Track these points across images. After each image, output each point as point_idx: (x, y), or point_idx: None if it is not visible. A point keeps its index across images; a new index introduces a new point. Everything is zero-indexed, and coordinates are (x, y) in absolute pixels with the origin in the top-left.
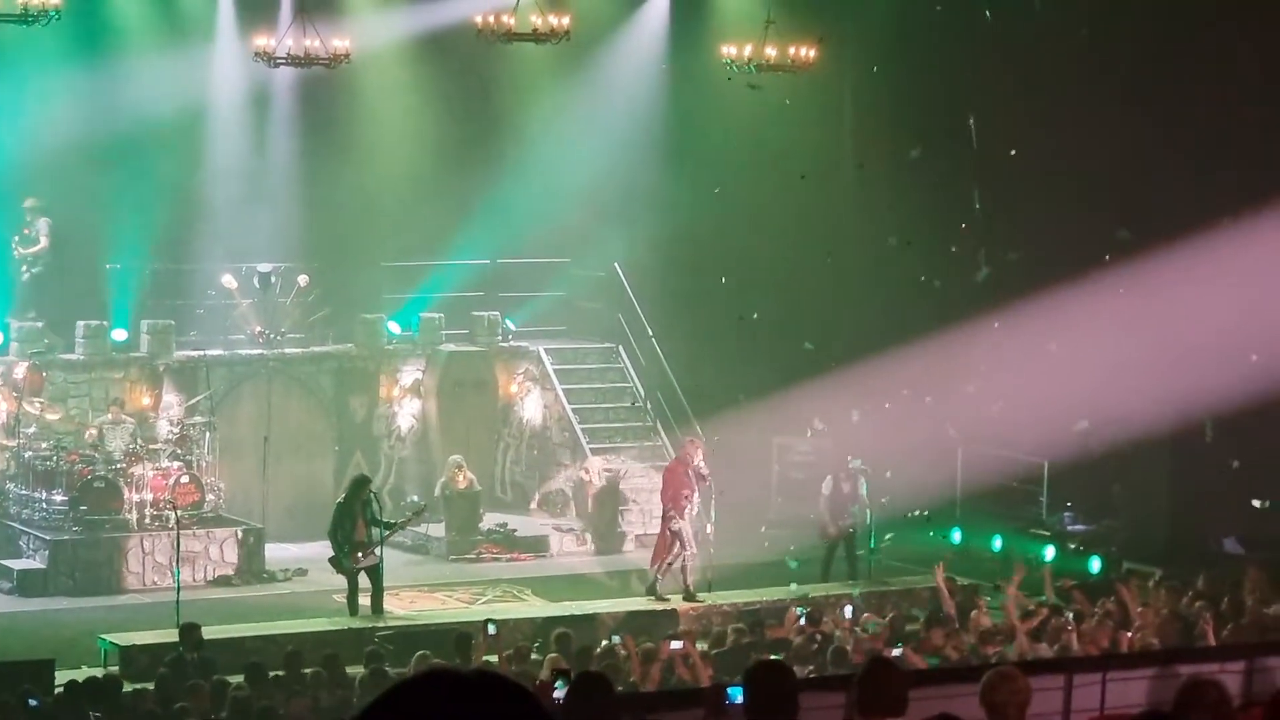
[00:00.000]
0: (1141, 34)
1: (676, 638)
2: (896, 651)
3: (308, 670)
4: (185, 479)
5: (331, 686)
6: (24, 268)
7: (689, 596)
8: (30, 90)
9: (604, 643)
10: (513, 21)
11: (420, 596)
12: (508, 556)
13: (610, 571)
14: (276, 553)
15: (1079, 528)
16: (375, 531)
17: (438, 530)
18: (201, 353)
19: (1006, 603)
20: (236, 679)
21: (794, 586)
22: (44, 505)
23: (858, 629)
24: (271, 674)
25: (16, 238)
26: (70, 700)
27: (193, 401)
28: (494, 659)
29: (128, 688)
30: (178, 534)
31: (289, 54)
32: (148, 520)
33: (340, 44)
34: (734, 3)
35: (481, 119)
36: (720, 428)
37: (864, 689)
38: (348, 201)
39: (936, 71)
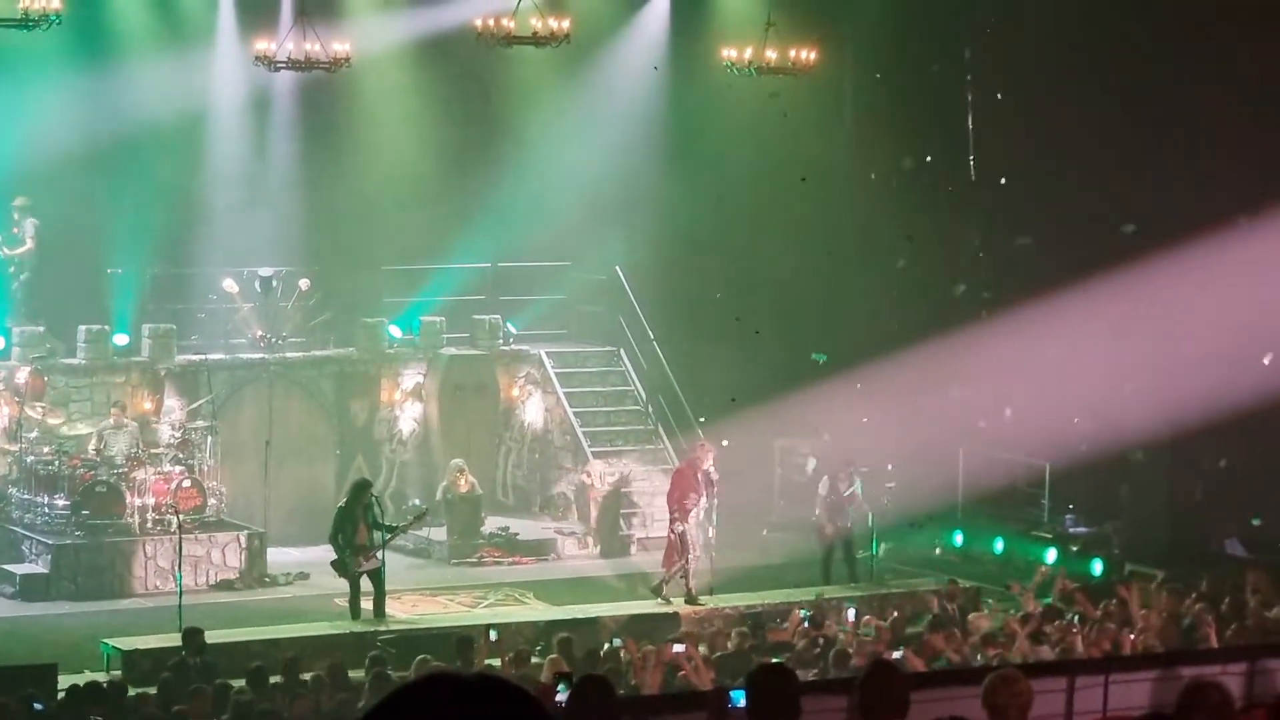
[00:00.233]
0: (1143, 33)
1: (678, 641)
2: (897, 654)
3: (309, 674)
4: (187, 483)
5: (333, 690)
6: (12, 269)
7: (691, 600)
8: (31, 95)
9: (605, 646)
10: (513, 25)
11: (422, 600)
12: (509, 560)
13: (612, 575)
14: (278, 557)
15: (1081, 530)
16: (377, 535)
17: (439, 534)
18: (203, 357)
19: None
20: (239, 683)
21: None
22: (46, 510)
23: (860, 632)
24: (273, 679)
25: (1, 236)
26: (73, 705)
27: (194, 406)
28: (496, 662)
29: (130, 692)
30: (180, 538)
31: (289, 58)
32: (150, 525)
33: (340, 48)
34: (734, 5)
35: (482, 122)
36: (722, 431)
37: (865, 692)
38: (348, 205)
39: (936, 72)
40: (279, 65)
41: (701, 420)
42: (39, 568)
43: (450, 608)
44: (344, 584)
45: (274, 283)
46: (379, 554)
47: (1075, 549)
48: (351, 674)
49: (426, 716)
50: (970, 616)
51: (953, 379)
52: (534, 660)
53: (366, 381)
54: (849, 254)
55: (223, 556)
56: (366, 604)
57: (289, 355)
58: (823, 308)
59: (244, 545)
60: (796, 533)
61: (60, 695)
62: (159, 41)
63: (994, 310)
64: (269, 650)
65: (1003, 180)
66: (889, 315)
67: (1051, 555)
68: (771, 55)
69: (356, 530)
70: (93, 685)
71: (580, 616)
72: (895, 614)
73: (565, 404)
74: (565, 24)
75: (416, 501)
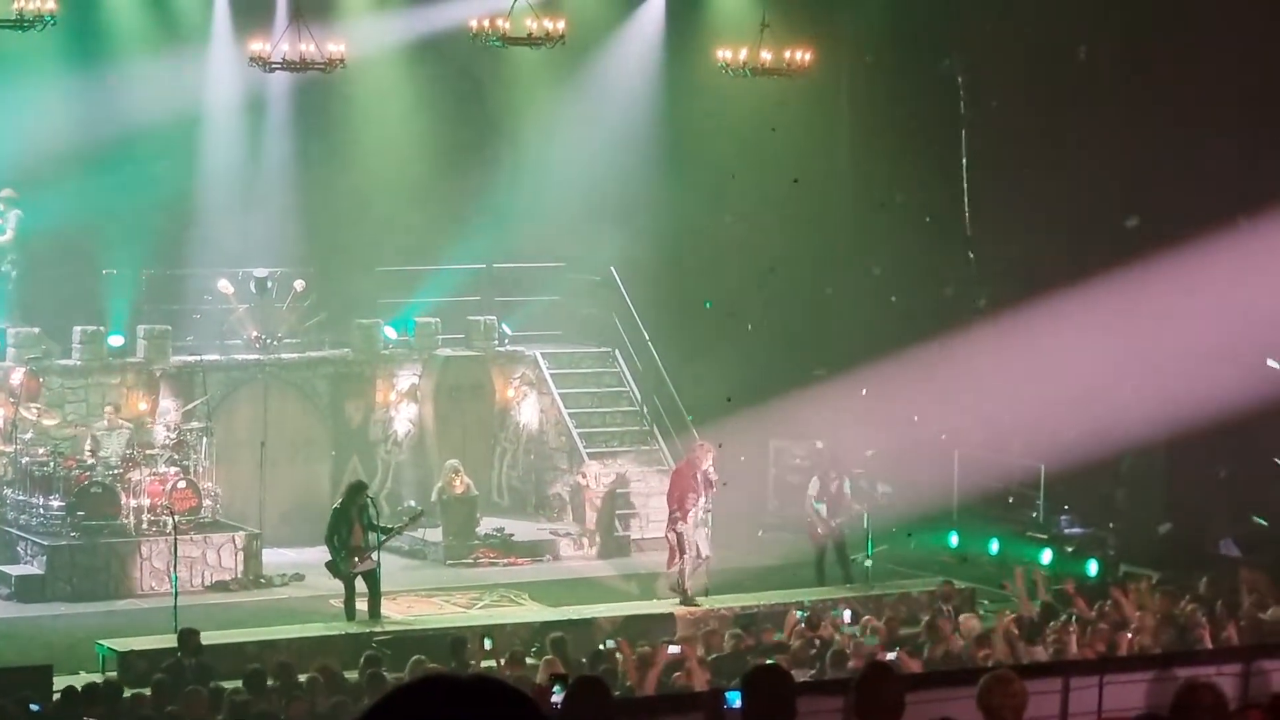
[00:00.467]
0: (1141, 32)
1: (674, 642)
2: (891, 655)
3: (304, 676)
4: (182, 484)
5: (328, 692)
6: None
7: (687, 601)
8: (26, 95)
9: (600, 647)
10: (508, 26)
11: (417, 601)
12: (505, 561)
13: (607, 576)
14: (274, 558)
15: (1076, 531)
16: (372, 536)
17: (435, 535)
18: (198, 358)
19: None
20: (234, 684)
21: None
22: (41, 511)
23: (855, 633)
24: (269, 681)
25: None
26: (68, 706)
27: (189, 407)
28: (491, 664)
29: (125, 693)
30: (175, 539)
31: (284, 59)
32: (145, 526)
33: (335, 48)
34: (729, 6)
35: (477, 123)
36: (716, 431)
37: (861, 693)
38: (344, 206)
39: (933, 73)
40: (274, 66)
41: (690, 419)
42: (34, 569)
43: (445, 609)
44: (339, 585)
45: (269, 284)
46: (374, 555)
47: (1070, 550)
48: (347, 675)
49: (422, 718)
50: (961, 618)
51: (948, 380)
52: (529, 661)
53: (362, 382)
54: (843, 255)
55: (218, 557)
56: (361, 605)
57: (284, 356)
58: (817, 309)
59: (239, 546)
60: (791, 534)
61: (56, 696)
62: (154, 42)
63: (989, 312)
64: (264, 651)
65: (998, 187)
66: (884, 316)
67: (1047, 556)
68: (766, 56)
69: (352, 531)
70: (88, 686)
71: (575, 617)
72: (890, 615)
73: (560, 405)
74: (560, 25)
75: (412, 503)
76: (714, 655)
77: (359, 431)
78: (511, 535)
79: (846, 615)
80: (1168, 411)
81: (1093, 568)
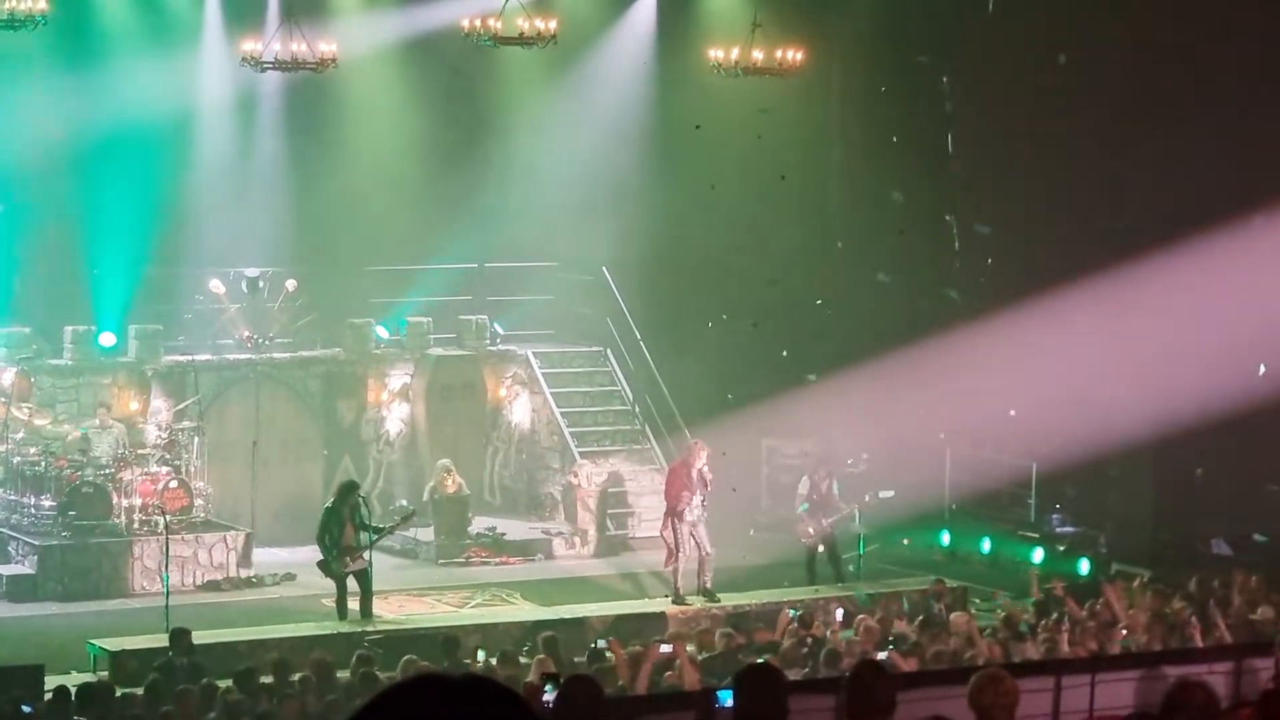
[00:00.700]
0: (1131, 32)
1: (666, 641)
2: (883, 655)
3: (296, 675)
4: (174, 484)
5: (320, 691)
6: None
7: (678, 600)
8: (17, 95)
9: (591, 646)
10: (499, 25)
11: (409, 601)
12: (496, 560)
13: (599, 575)
14: (265, 557)
15: (1068, 530)
16: (364, 536)
17: (426, 534)
18: (189, 357)
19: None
20: (226, 683)
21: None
22: (33, 511)
23: (839, 631)
24: (262, 679)
25: None
26: (60, 706)
27: (181, 406)
28: (483, 663)
29: (117, 693)
30: (167, 539)
31: (276, 58)
32: (137, 525)
33: (327, 48)
34: (720, 6)
35: (468, 123)
36: (709, 430)
37: (852, 692)
38: (335, 206)
39: (921, 72)
40: (265, 65)
41: (679, 417)
42: (26, 569)
43: (437, 608)
44: (331, 584)
45: (261, 283)
46: (366, 554)
47: (1062, 549)
48: (338, 674)
49: (414, 717)
50: (952, 616)
51: (940, 380)
52: (522, 660)
53: (353, 382)
54: (835, 254)
55: (210, 557)
56: (353, 604)
57: (276, 356)
58: (809, 308)
59: (231, 546)
60: (784, 533)
61: (47, 696)
62: (145, 42)
63: (981, 311)
64: (256, 651)
65: (989, 186)
66: (876, 315)
67: (1039, 555)
68: (758, 56)
69: (343, 531)
70: (80, 686)
71: (567, 617)
72: (881, 614)
73: (552, 404)
74: (552, 24)
75: (404, 502)
76: (706, 654)
77: (351, 431)
78: (503, 534)
79: (839, 614)
80: (1159, 411)
81: (1084, 566)
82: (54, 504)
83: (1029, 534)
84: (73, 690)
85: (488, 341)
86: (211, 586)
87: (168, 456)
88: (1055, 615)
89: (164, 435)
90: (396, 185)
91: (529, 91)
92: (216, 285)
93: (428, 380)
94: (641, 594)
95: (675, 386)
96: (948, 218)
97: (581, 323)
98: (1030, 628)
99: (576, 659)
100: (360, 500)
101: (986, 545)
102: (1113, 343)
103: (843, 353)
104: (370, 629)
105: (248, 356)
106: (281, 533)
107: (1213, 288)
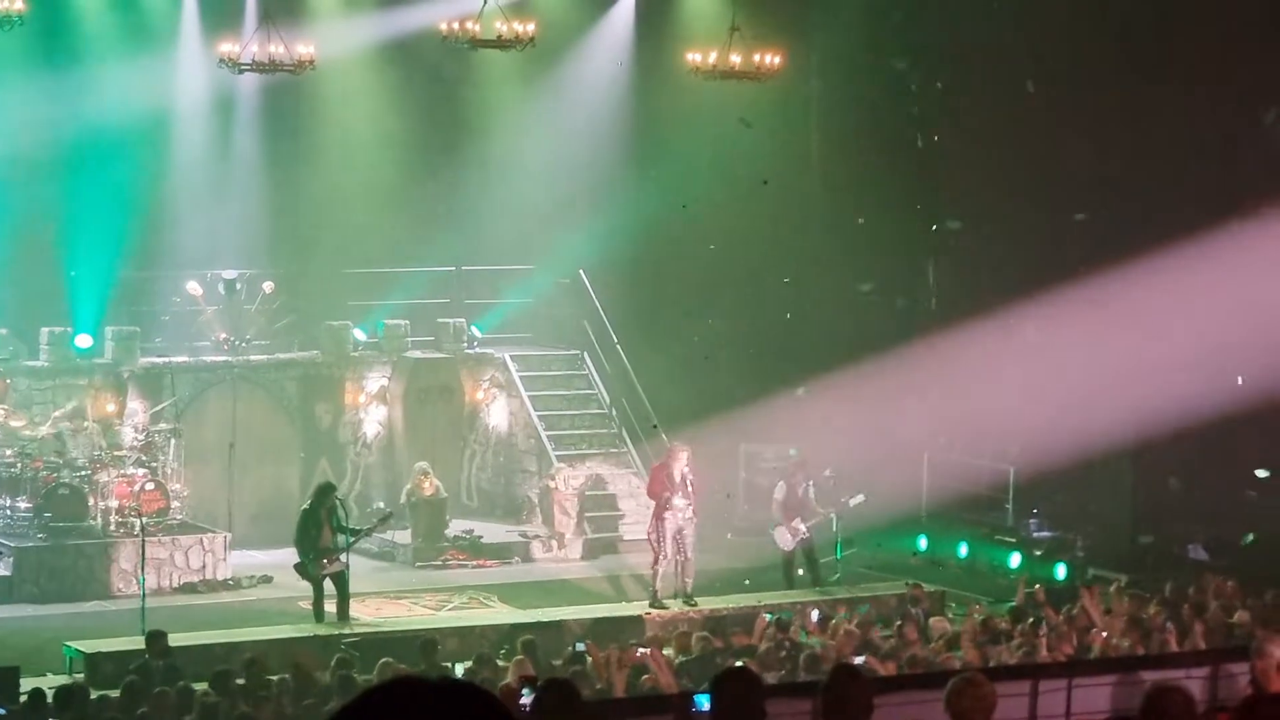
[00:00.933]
0: (1113, 40)
1: (643, 645)
2: (860, 659)
3: (274, 677)
4: (150, 486)
5: (297, 693)
6: None
7: (655, 603)
8: None
9: (569, 649)
10: (478, 28)
11: (386, 603)
12: (474, 563)
13: (576, 578)
14: (242, 559)
15: (1045, 534)
16: (341, 538)
17: (404, 537)
18: (166, 359)
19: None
20: (202, 686)
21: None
22: (8, 513)
23: (825, 635)
24: (237, 681)
25: None
26: (36, 708)
27: (158, 408)
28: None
29: (93, 695)
30: (143, 541)
31: (254, 60)
32: (113, 527)
33: (305, 50)
34: (699, 9)
35: (446, 126)
36: (686, 434)
37: (828, 697)
38: (313, 208)
39: (902, 77)
40: (243, 67)
41: (655, 427)
42: (1, 570)
43: (414, 611)
44: (308, 587)
45: (238, 285)
46: (343, 557)
47: (1039, 553)
48: (316, 677)
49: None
50: (932, 620)
51: (918, 385)
52: (499, 663)
53: (331, 384)
54: (814, 259)
55: (186, 559)
56: (330, 607)
57: (253, 358)
58: (786, 312)
59: (207, 548)
60: (761, 537)
61: (23, 698)
62: (123, 43)
63: (959, 317)
64: (232, 653)
65: (967, 192)
66: (854, 320)
67: (1016, 559)
68: (736, 60)
69: (321, 533)
70: (56, 689)
71: (545, 619)
72: (858, 618)
73: (530, 407)
74: (530, 27)
75: (381, 504)
76: (683, 658)
77: (328, 433)
78: (480, 537)
79: (814, 615)
80: (1138, 415)
81: (1061, 571)
82: (30, 506)
83: (1006, 538)
84: (49, 693)
85: (465, 344)
86: (188, 588)
87: (144, 458)
88: (1032, 620)
89: (140, 437)
90: (374, 188)
91: (507, 94)
92: (193, 287)
93: (405, 383)
94: (619, 597)
95: (652, 390)
96: (922, 221)
97: (559, 326)
98: (1007, 634)
99: (554, 662)
100: (338, 502)
101: (964, 550)
102: (1091, 348)
103: (821, 357)
104: (347, 631)
105: (225, 358)
106: (258, 535)
107: (1191, 293)
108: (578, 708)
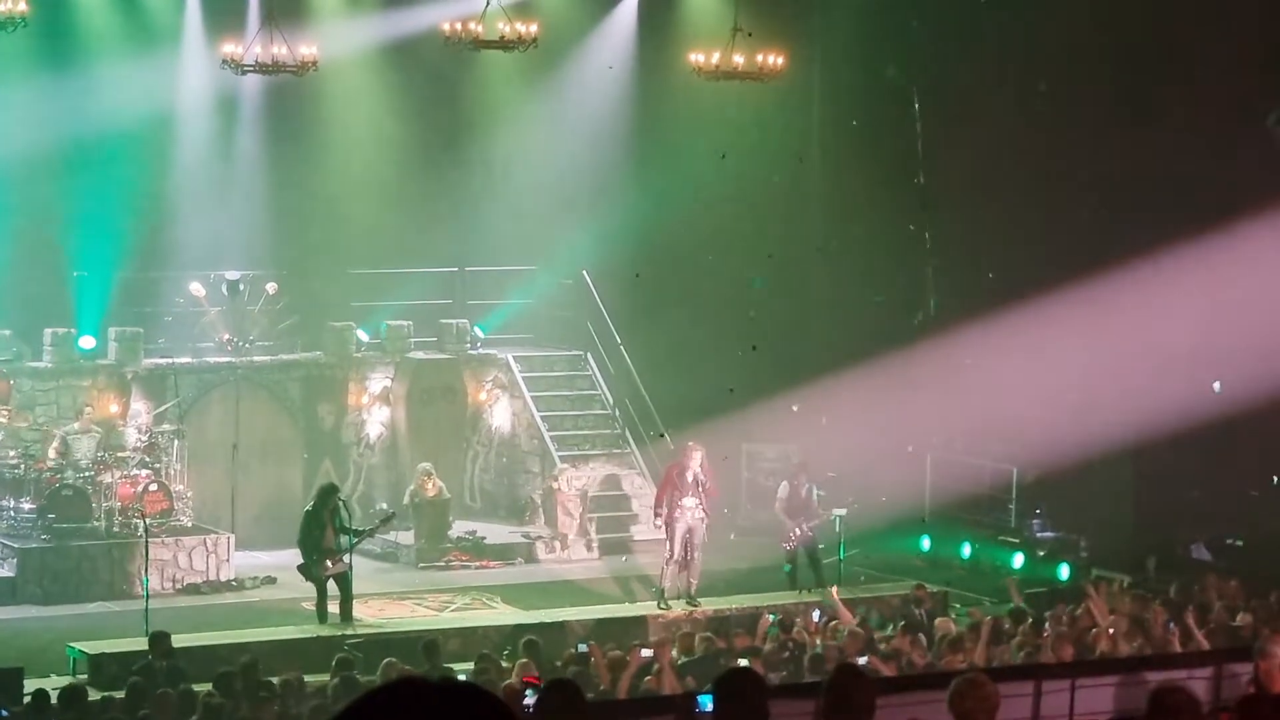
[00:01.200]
0: (1110, 40)
1: (646, 645)
2: (863, 659)
3: (277, 679)
4: (154, 487)
5: (300, 694)
6: None
7: (662, 601)
8: None
9: (570, 650)
10: (480, 29)
11: (389, 604)
12: (476, 564)
13: (579, 579)
14: (245, 560)
15: (1048, 535)
16: (344, 539)
17: (406, 538)
18: (170, 360)
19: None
20: (205, 687)
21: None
22: (12, 514)
23: (827, 634)
24: (240, 683)
25: None
26: (39, 709)
27: (161, 409)
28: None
29: (97, 696)
30: (146, 542)
31: (256, 61)
32: (116, 528)
33: (308, 51)
34: (702, 10)
35: (449, 127)
36: (689, 435)
37: (831, 697)
38: (316, 209)
39: (903, 78)
40: (246, 68)
41: (663, 435)
42: (5, 572)
43: (417, 612)
44: (311, 587)
45: (241, 286)
46: (346, 558)
47: (1042, 554)
48: (319, 678)
49: None
50: (937, 621)
51: (921, 386)
52: (502, 664)
53: (334, 385)
54: (815, 258)
55: (189, 560)
56: (333, 608)
57: (256, 359)
58: (790, 313)
59: (211, 549)
60: (764, 537)
61: (26, 699)
62: (126, 44)
63: (961, 317)
64: (236, 654)
65: (967, 196)
66: (857, 322)
67: (1019, 560)
68: (739, 60)
69: (324, 534)
70: (60, 690)
71: (548, 620)
72: (861, 618)
73: (532, 408)
74: (533, 28)
75: (384, 505)
76: (686, 658)
77: (331, 434)
78: (483, 538)
79: (815, 615)
80: (1140, 415)
81: (1064, 571)
82: (33, 507)
83: (1009, 539)
84: (52, 694)
85: (468, 345)
86: (191, 590)
87: (147, 459)
88: (1033, 620)
89: (144, 438)
90: (377, 189)
91: (510, 95)
92: (197, 288)
93: (408, 384)
94: (623, 598)
95: (655, 390)
96: (912, 227)
97: (562, 326)
98: (1009, 634)
99: (557, 663)
100: (340, 503)
101: (967, 550)
102: (1094, 348)
103: (822, 358)
104: (350, 632)
105: (228, 359)
106: (262, 536)
107: (1193, 292)
108: (581, 708)
